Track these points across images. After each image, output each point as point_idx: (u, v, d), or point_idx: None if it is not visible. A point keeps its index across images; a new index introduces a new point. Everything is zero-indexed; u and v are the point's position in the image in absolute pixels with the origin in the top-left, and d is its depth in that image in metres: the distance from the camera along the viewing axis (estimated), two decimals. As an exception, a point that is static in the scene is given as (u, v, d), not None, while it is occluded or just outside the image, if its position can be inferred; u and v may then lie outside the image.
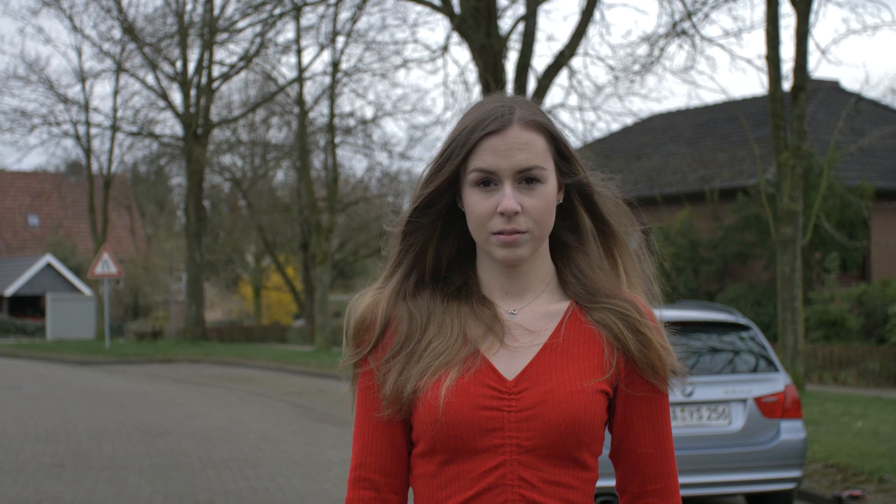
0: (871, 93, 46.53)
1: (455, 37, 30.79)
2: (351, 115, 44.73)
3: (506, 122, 2.67)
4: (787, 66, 24.20)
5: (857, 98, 35.79)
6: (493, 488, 2.63)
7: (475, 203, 2.66)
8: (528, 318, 2.74)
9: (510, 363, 2.69)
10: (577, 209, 2.82)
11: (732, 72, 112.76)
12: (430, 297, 2.77)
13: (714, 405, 10.31)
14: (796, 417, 10.49)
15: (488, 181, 2.66)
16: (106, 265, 40.87)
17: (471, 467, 2.65)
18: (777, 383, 10.51)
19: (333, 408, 21.78)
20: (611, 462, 2.84)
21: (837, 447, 13.67)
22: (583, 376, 2.67)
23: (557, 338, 2.71)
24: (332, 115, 40.24)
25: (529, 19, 28.65)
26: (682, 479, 9.54)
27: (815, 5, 21.28)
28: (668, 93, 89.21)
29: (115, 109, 47.82)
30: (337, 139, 41.82)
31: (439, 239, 2.80)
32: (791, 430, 10.38)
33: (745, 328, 10.89)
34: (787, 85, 21.51)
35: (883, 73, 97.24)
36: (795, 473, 10.41)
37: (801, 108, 20.56)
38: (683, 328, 10.67)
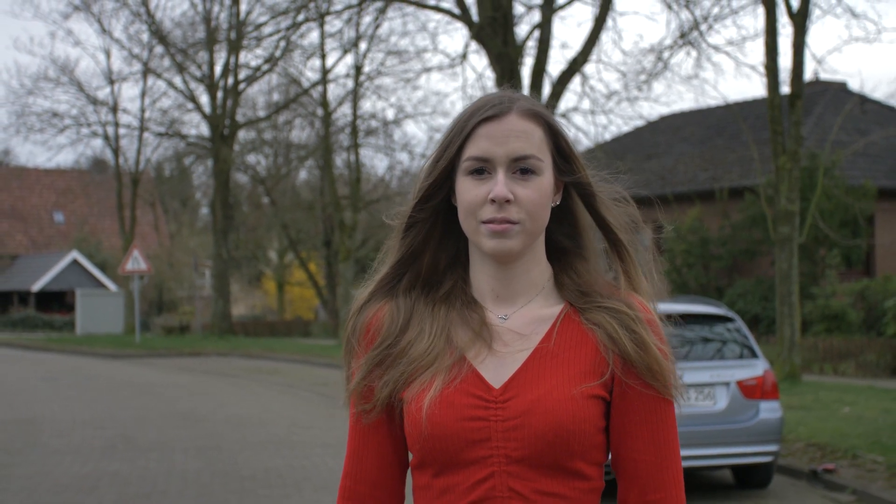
0: (876, 94, 47.62)
1: (473, 44, 31.97)
2: (373, 116, 46.04)
3: (504, 109, 2.62)
4: (787, 73, 25.44)
5: (862, 100, 37.08)
6: (484, 500, 2.56)
7: (466, 190, 2.60)
8: (519, 323, 2.65)
9: (498, 370, 2.60)
10: (575, 212, 2.75)
11: (738, 77, 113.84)
12: (417, 299, 2.72)
13: (701, 387, 11.69)
14: (774, 398, 11.90)
15: (482, 170, 2.59)
16: (136, 262, 42.21)
17: (460, 479, 2.58)
18: (757, 368, 11.91)
19: (359, 397, 23.09)
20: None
21: (821, 429, 15.00)
22: (572, 382, 2.57)
23: (548, 342, 2.62)
24: (354, 117, 41.60)
25: (544, 27, 29.85)
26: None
27: (812, 17, 22.51)
28: (677, 97, 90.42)
29: (142, 110, 49.17)
30: (359, 139, 43.14)
31: (438, 240, 2.73)
32: (769, 410, 11.79)
33: (730, 320, 12.30)
34: (786, 89, 22.81)
35: (883, 75, 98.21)
36: (773, 448, 11.81)
37: (797, 114, 21.85)
38: (676, 319, 12.08)
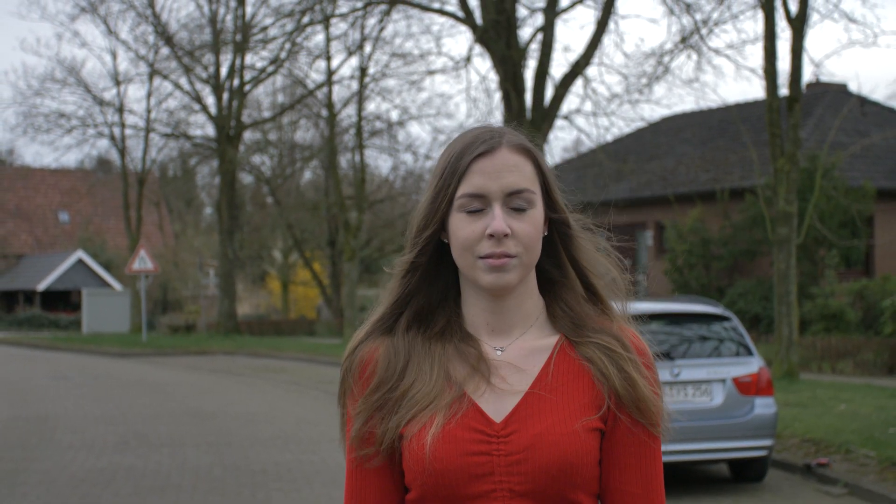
0: (875, 96, 47.97)
1: (477, 47, 32.39)
2: (378, 118, 46.46)
3: (494, 143, 2.62)
4: (786, 76, 25.81)
5: (862, 102, 37.47)
6: None
7: (461, 226, 2.60)
8: (515, 354, 2.66)
9: (498, 404, 2.61)
10: (560, 243, 2.76)
11: (738, 80, 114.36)
12: (412, 338, 2.70)
13: (698, 384, 12.11)
14: (768, 395, 12.33)
15: (476, 208, 2.60)
16: (143, 261, 42.66)
17: None
18: (752, 366, 12.35)
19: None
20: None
21: (816, 425, 15.40)
22: (573, 416, 2.59)
23: (546, 375, 2.63)
24: (359, 118, 42.03)
25: (547, 30, 30.25)
26: (670, 447, 11.34)
27: (811, 22, 22.91)
28: (678, 99, 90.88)
29: (148, 111, 49.59)
30: (364, 141, 43.57)
31: (431, 278, 2.73)
32: (764, 406, 12.22)
33: (726, 319, 12.73)
34: (785, 91, 23.22)
35: (882, 77, 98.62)
36: (768, 442, 12.24)
37: (796, 118, 22.25)
38: (674, 318, 12.56)
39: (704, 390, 12.17)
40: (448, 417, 2.57)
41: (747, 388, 12.22)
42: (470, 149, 2.61)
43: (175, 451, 15.54)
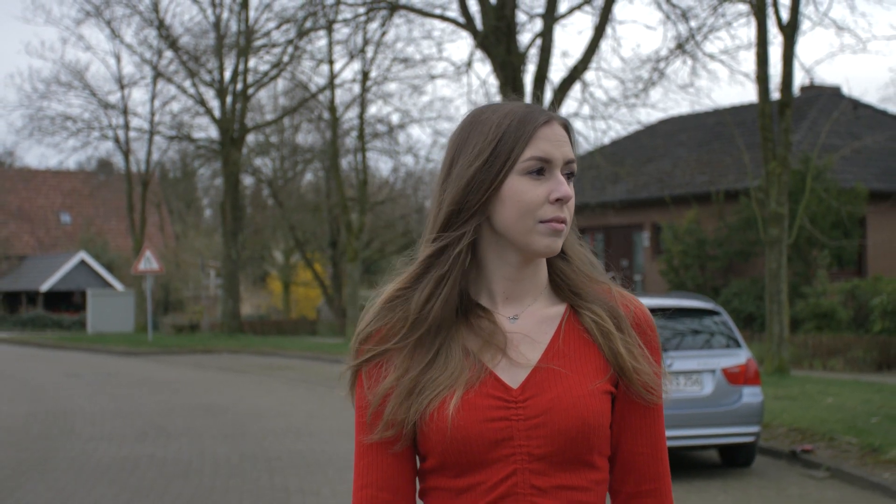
0: (867, 99, 48.62)
1: (478, 52, 33.13)
2: (379, 121, 47.23)
3: (551, 116, 2.71)
4: (778, 82, 26.55)
5: (855, 105, 38.26)
6: (505, 497, 2.61)
7: (525, 190, 2.65)
8: (527, 323, 2.73)
9: (514, 372, 2.66)
10: None
11: (732, 85, 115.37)
12: (434, 317, 2.69)
13: (689, 374, 12.93)
14: (756, 384, 13.16)
15: (542, 170, 2.66)
16: (148, 262, 43.38)
17: (482, 479, 2.62)
18: (740, 357, 13.19)
19: (369, 390, 24.22)
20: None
21: (803, 416, 16.19)
22: (587, 379, 2.65)
23: (557, 343, 2.70)
24: (362, 121, 42.82)
25: (546, 35, 30.94)
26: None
27: (802, 28, 23.69)
28: (674, 103, 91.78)
29: (152, 114, 50.28)
30: (366, 143, 44.32)
31: (462, 258, 2.72)
32: (751, 395, 13.06)
33: (716, 313, 13.58)
34: (777, 95, 23.99)
35: (872, 81, 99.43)
36: (755, 429, 13.07)
37: (787, 122, 23.04)
38: (668, 313, 13.35)
39: (695, 380, 12.99)
40: (467, 388, 2.62)
41: (736, 378, 13.05)
42: (531, 116, 2.69)
43: (193, 441, 16.30)
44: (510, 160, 2.65)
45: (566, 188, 2.65)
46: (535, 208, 2.64)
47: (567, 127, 2.74)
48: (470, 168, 2.67)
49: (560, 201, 2.64)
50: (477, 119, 2.73)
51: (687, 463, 14.41)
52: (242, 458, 14.70)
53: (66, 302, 66.50)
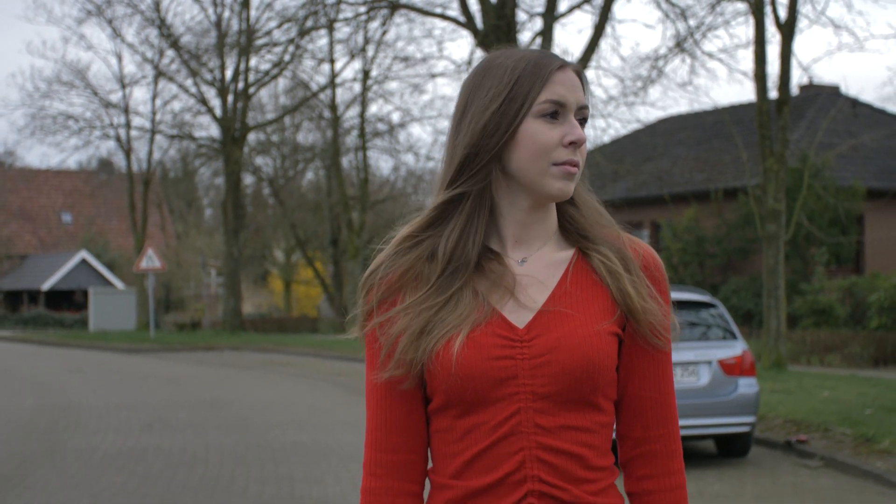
0: (864, 97, 48.86)
1: (478, 52, 33.35)
2: (380, 119, 47.48)
3: (565, 61, 2.71)
4: (776, 80, 26.80)
5: (854, 104, 38.47)
6: (509, 436, 2.62)
7: (541, 132, 2.65)
8: (536, 266, 2.73)
9: (520, 312, 2.67)
10: None
11: (731, 83, 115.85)
12: (461, 260, 2.70)
13: (686, 365, 13.19)
14: (751, 375, 13.44)
15: (556, 113, 2.67)
16: (150, 260, 43.65)
17: (486, 417, 2.63)
18: (736, 349, 13.46)
19: (371, 385, 24.47)
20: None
21: (799, 408, 16.44)
22: (594, 320, 2.66)
23: (565, 284, 2.70)
24: (363, 120, 43.09)
25: (546, 34, 31.15)
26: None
27: (799, 27, 23.94)
28: (673, 102, 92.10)
29: (153, 113, 50.52)
30: (367, 142, 44.59)
31: (478, 206, 2.74)
32: (747, 386, 13.33)
33: (713, 306, 13.84)
34: (775, 93, 24.25)
35: (870, 80, 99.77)
36: (750, 419, 13.33)
37: (784, 119, 23.30)
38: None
39: (692, 371, 13.24)
40: (473, 327, 2.63)
41: (731, 369, 13.31)
42: (546, 60, 2.69)
43: (198, 433, 16.55)
44: (526, 103, 2.66)
45: (580, 131, 2.66)
46: (549, 151, 2.65)
47: (580, 74, 2.73)
48: (486, 111, 2.67)
49: (574, 144, 2.65)
50: (491, 63, 2.74)
51: (683, 452, 14.61)
52: (247, 448, 14.95)
53: (67, 301, 66.83)
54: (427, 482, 2.78)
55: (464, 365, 2.59)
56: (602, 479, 2.67)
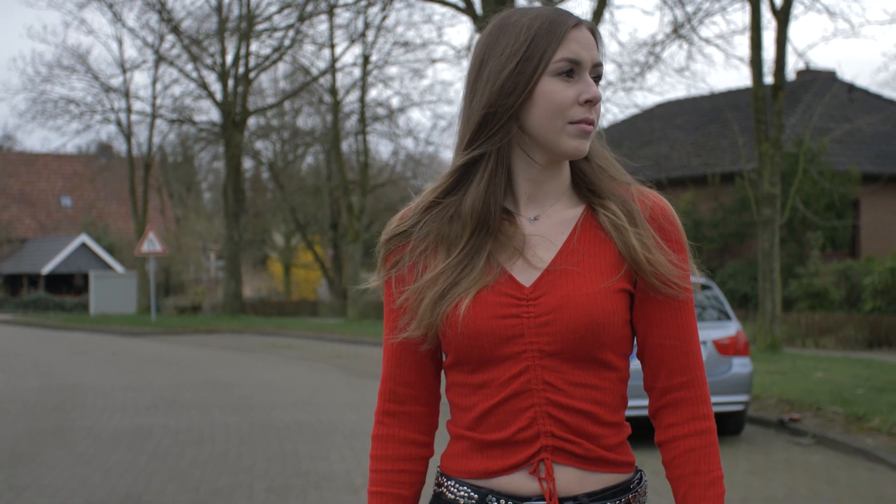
0: (860, 82, 49.04)
1: (478, 37, 33.63)
2: (380, 104, 47.78)
3: (579, 19, 2.72)
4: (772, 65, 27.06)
5: (850, 89, 38.73)
6: (520, 393, 2.66)
7: (558, 90, 2.66)
8: (546, 224, 2.75)
9: (528, 271, 2.70)
10: None
11: (727, 69, 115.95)
12: (486, 219, 2.72)
13: (681, 345, 13.50)
14: (745, 355, 13.77)
15: (571, 71, 2.67)
16: (152, 244, 43.96)
17: (496, 375, 2.67)
18: (730, 329, 13.79)
19: (372, 367, 24.82)
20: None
21: (792, 388, 16.80)
22: (599, 277, 2.67)
23: (572, 242, 2.72)
24: (363, 105, 43.37)
25: (544, 20, 31.44)
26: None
27: (795, 13, 24.25)
28: (670, 87, 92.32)
29: (154, 97, 50.75)
30: (367, 126, 44.89)
31: (496, 168, 2.74)
32: (740, 365, 13.66)
33: (707, 287, 14.17)
34: (770, 78, 24.53)
35: (866, 64, 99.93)
36: (744, 398, 13.67)
37: (780, 105, 23.62)
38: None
39: (687, 351, 13.57)
40: (482, 287, 2.67)
41: (726, 349, 13.64)
42: (561, 19, 2.69)
43: (203, 412, 16.88)
44: (543, 61, 2.65)
45: (595, 89, 2.67)
46: (565, 109, 2.66)
47: (594, 31, 2.73)
48: (503, 71, 2.66)
49: (590, 102, 2.67)
50: (506, 22, 2.72)
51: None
52: (252, 427, 15.27)
53: (67, 284, 67.04)
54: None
55: (470, 324, 2.65)
56: (614, 434, 2.72)
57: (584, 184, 2.79)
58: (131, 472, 11.90)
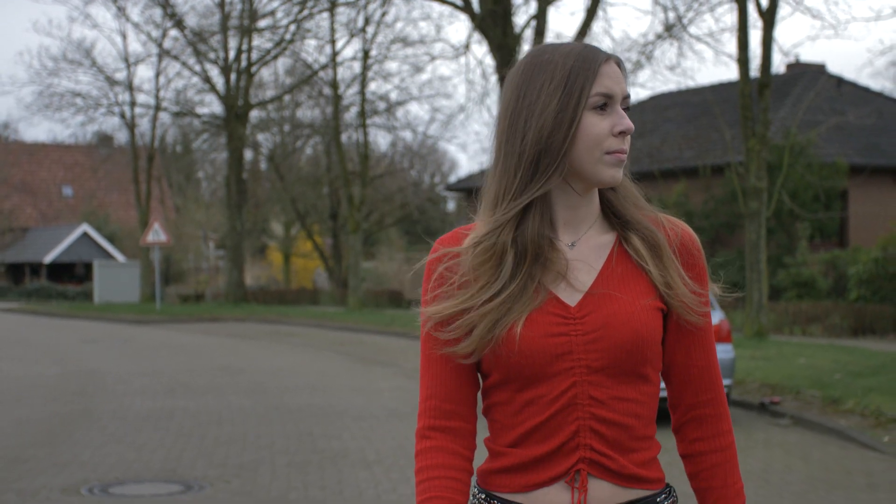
0: (847, 75, 49.77)
1: (476, 35, 34.55)
2: (380, 98, 48.68)
3: (608, 54, 2.83)
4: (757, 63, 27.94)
5: (839, 82, 39.63)
6: (566, 408, 2.75)
7: (596, 123, 2.77)
8: (584, 249, 2.85)
9: (571, 292, 2.80)
10: None
11: (717, 65, 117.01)
12: (510, 251, 2.81)
13: (667, 333, 14.54)
14: (728, 342, 14.81)
15: (605, 105, 2.78)
16: (156, 234, 44.84)
17: (544, 391, 2.76)
18: (714, 318, 14.75)
19: (375, 354, 25.84)
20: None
21: (774, 373, 17.85)
22: (638, 298, 2.79)
23: (610, 266, 2.83)
24: (363, 98, 44.31)
25: (540, 17, 32.30)
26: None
27: (781, 13, 25.18)
28: (661, 83, 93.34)
29: (157, 90, 51.60)
30: (367, 119, 45.79)
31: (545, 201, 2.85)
32: (723, 352, 14.74)
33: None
34: (756, 74, 25.50)
35: (852, 59, 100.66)
36: (726, 382, 14.70)
37: (766, 101, 24.62)
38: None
39: (673, 338, 14.59)
40: (532, 308, 2.76)
41: (709, 336, 14.66)
42: (593, 54, 2.81)
43: (218, 396, 17.88)
44: (583, 97, 2.77)
45: (628, 121, 2.79)
46: (602, 141, 2.78)
47: (620, 65, 2.86)
48: (548, 108, 2.77)
49: (623, 133, 2.79)
50: (539, 60, 2.84)
51: (662, 414, 15.96)
52: (267, 409, 16.28)
53: (69, 273, 67.66)
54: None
55: (525, 343, 2.74)
56: (647, 448, 2.85)
57: (612, 211, 2.91)
58: (161, 449, 12.90)
